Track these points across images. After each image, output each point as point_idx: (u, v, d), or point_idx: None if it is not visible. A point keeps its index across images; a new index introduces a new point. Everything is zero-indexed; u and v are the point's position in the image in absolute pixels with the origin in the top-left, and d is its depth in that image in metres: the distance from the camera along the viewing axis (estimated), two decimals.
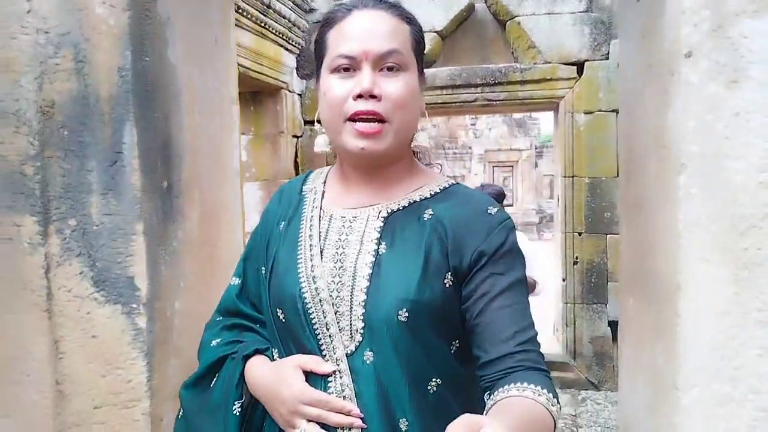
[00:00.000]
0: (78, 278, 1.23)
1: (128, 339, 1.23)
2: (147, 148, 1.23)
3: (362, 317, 0.86)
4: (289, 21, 4.22)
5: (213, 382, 0.98)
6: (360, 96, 0.85)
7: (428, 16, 4.58)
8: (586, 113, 4.37)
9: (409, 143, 0.95)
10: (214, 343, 0.99)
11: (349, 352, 0.87)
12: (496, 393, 0.80)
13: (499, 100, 4.55)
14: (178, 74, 1.34)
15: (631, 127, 1.26)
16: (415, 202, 0.93)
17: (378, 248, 0.89)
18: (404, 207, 0.92)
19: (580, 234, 4.45)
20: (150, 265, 1.24)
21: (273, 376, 0.90)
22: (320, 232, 0.94)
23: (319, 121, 0.96)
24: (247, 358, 0.94)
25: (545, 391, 0.79)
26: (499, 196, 3.18)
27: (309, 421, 0.85)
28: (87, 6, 1.19)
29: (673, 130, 1.01)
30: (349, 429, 0.85)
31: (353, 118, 0.86)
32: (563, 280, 4.54)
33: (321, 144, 0.98)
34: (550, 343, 4.84)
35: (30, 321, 1.25)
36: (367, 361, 0.86)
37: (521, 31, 4.50)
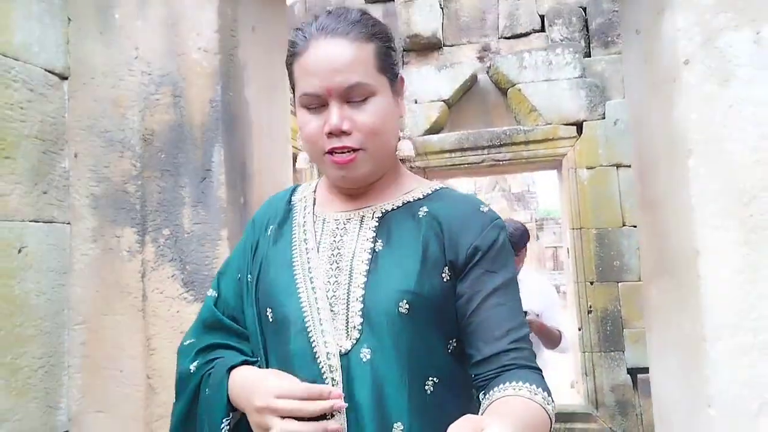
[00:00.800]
0: (170, 281, 1.41)
1: None
2: (230, 168, 1.45)
3: (360, 312, 0.84)
4: None
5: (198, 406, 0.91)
6: (331, 133, 0.85)
7: (435, 86, 4.97)
8: (588, 168, 4.64)
9: (392, 157, 0.94)
10: (192, 368, 0.92)
11: (343, 350, 0.84)
12: (491, 392, 0.80)
13: (505, 160, 4.83)
14: (251, 109, 1.57)
15: (641, 135, 1.48)
16: (408, 202, 0.93)
17: (374, 246, 0.89)
18: (398, 207, 0.93)
19: (592, 283, 4.59)
20: None
21: (252, 378, 0.84)
22: (315, 235, 0.93)
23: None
24: (231, 369, 0.87)
25: (540, 389, 0.79)
26: (524, 234, 2.99)
27: (284, 418, 0.78)
28: (185, 52, 1.44)
29: (680, 124, 1.23)
30: (331, 415, 0.80)
31: (330, 153, 0.86)
32: (579, 329, 4.64)
33: (302, 162, 0.97)
34: (570, 394, 4.86)
35: (126, 321, 1.42)
36: (364, 359, 0.83)
37: (522, 97, 4.86)
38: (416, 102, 5.04)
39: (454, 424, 0.60)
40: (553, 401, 0.81)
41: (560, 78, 4.81)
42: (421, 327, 0.84)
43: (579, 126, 4.70)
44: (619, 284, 4.53)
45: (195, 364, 0.91)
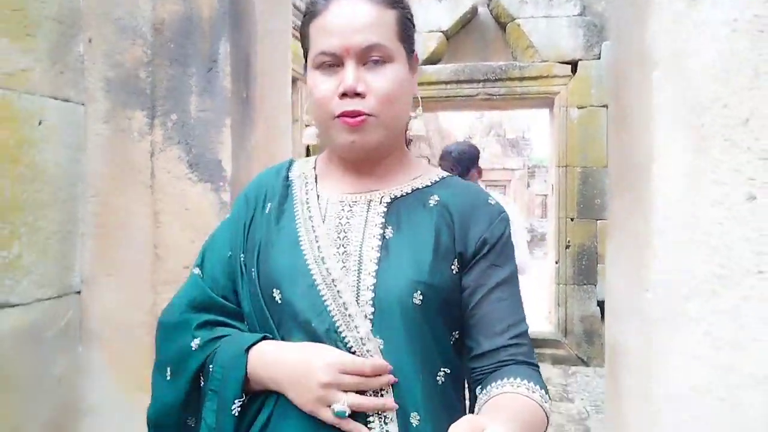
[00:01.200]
0: (176, 161, 1.55)
1: (215, 211, 1.54)
2: (235, 61, 1.56)
3: (371, 302, 0.82)
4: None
5: (201, 387, 0.86)
6: (345, 95, 0.82)
7: (435, 17, 4.98)
8: (579, 108, 4.74)
9: (402, 133, 0.94)
10: (194, 345, 0.87)
11: (369, 332, 0.82)
12: (489, 387, 0.81)
13: (499, 95, 4.92)
14: (256, 11, 1.67)
15: (618, 51, 1.60)
16: (417, 189, 0.91)
17: (384, 232, 0.87)
18: (407, 193, 0.91)
19: (572, 219, 4.79)
20: (234, 153, 1.55)
21: (301, 353, 0.81)
22: (320, 212, 0.90)
23: (308, 112, 0.95)
24: (250, 348, 0.83)
25: (538, 387, 0.80)
26: (477, 152, 3.07)
27: (347, 392, 0.78)
28: None
29: (650, 40, 1.35)
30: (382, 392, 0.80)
31: (341, 116, 0.83)
32: (556, 262, 4.87)
33: (310, 135, 0.95)
34: (543, 322, 5.15)
35: (136, 196, 1.56)
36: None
37: (520, 32, 4.89)
38: (416, 32, 5.06)
39: (454, 424, 0.59)
40: (549, 398, 0.81)
41: (560, 15, 4.84)
42: (432, 318, 0.83)
43: (574, 65, 4.78)
44: (598, 222, 4.73)
45: (197, 341, 0.87)
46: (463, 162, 2.94)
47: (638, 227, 1.43)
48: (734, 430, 1.27)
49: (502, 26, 5.06)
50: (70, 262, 1.54)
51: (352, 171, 0.92)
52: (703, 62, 1.29)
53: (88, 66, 1.56)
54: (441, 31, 5.00)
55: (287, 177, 0.96)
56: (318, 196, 0.91)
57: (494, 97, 4.94)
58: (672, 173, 1.32)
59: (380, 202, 0.89)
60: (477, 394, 0.84)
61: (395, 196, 0.90)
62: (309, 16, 0.87)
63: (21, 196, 1.38)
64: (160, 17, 1.53)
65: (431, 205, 0.89)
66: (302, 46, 0.91)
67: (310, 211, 0.90)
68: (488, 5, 5.09)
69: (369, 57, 0.83)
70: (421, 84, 3.83)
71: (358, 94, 0.82)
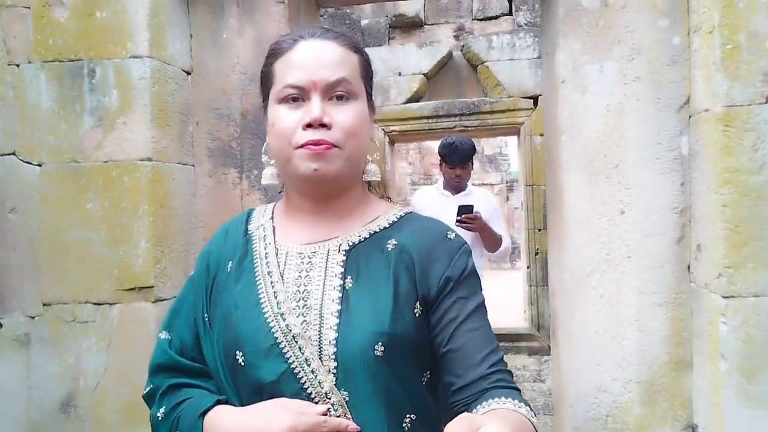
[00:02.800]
0: (258, 202, 2.33)
1: None
2: None
3: (334, 356, 0.82)
4: None
5: None
6: (310, 126, 0.83)
7: (417, 61, 5.83)
8: (541, 135, 5.60)
9: (360, 174, 0.94)
10: (160, 415, 0.89)
11: (333, 386, 0.82)
12: (475, 410, 0.81)
13: (473, 126, 5.76)
14: None
15: (547, 119, 2.44)
16: (375, 233, 0.92)
17: (343, 283, 0.87)
18: (365, 239, 0.91)
19: (539, 230, 5.62)
20: None
21: (253, 417, 0.81)
22: (279, 270, 0.90)
23: (266, 152, 0.95)
24: (205, 413, 0.85)
25: (522, 404, 0.80)
26: (473, 148, 3.33)
27: None
28: None
29: (559, 116, 2.18)
30: None
31: (304, 146, 0.84)
32: (528, 267, 5.69)
33: (267, 176, 0.95)
34: (519, 319, 5.96)
35: None
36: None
37: (489, 73, 5.77)
38: (400, 74, 5.91)
39: (450, 423, 0.59)
40: (535, 416, 0.81)
41: (522, 58, 5.72)
42: (396, 366, 0.84)
43: (535, 99, 5.64)
44: None
45: (162, 410, 0.89)
46: (467, 155, 3.25)
47: (560, 233, 2.25)
48: (619, 355, 2.07)
49: (474, 68, 5.93)
50: (189, 272, 2.31)
51: (310, 216, 0.92)
52: (590, 130, 2.12)
53: (196, 140, 2.35)
54: (422, 74, 5.85)
55: (246, 231, 0.96)
56: (277, 249, 0.91)
57: (469, 128, 5.78)
58: (575, 198, 2.15)
59: (338, 251, 0.89)
60: None
61: (353, 243, 0.90)
62: (274, 54, 0.89)
63: (165, 230, 2.16)
64: (245, 107, 2.33)
65: (389, 249, 0.89)
66: (262, 85, 0.93)
67: (269, 267, 0.89)
68: (461, 50, 5.96)
69: (334, 92, 0.85)
70: (406, 119, 4.79)
71: (323, 125, 0.83)
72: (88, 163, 2.11)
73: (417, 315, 0.86)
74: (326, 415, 0.80)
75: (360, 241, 0.91)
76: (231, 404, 0.87)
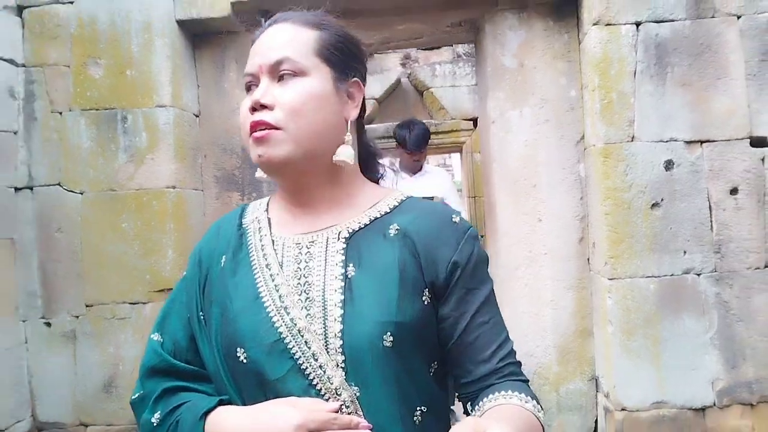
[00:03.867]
0: None
1: None
2: None
3: (341, 349, 0.78)
4: None
5: None
6: (254, 109, 0.81)
7: (369, 88, 6.45)
8: (479, 153, 6.36)
9: (326, 156, 0.85)
10: (155, 420, 0.83)
11: (343, 381, 0.78)
12: (482, 402, 0.80)
13: None
14: None
15: (481, 150, 3.12)
16: (376, 218, 0.86)
17: (345, 271, 0.82)
18: (365, 225, 0.86)
19: (482, 236, 6.35)
20: None
21: (261, 416, 0.76)
22: (278, 261, 0.84)
23: None
24: (206, 414, 0.80)
25: (530, 398, 0.79)
26: (428, 132, 3.42)
27: None
28: None
29: (491, 148, 2.86)
30: None
31: (251, 132, 0.81)
32: None
33: (261, 172, 0.89)
34: None
35: None
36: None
37: (434, 98, 6.49)
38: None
39: (455, 426, 0.58)
40: (542, 410, 0.81)
41: (462, 84, 6.47)
42: (406, 357, 0.80)
43: (474, 121, 6.38)
44: None
45: (158, 415, 0.83)
46: (424, 140, 3.34)
47: (494, 237, 2.93)
48: (540, 327, 2.75)
49: (420, 93, 6.64)
50: None
51: (302, 207, 0.88)
52: (513, 159, 2.81)
53: (205, 170, 2.90)
54: (374, 98, 6.51)
55: (240, 224, 0.93)
56: (273, 241, 0.87)
57: None
58: (503, 210, 2.83)
59: (338, 238, 0.85)
60: (469, 410, 0.84)
61: (353, 230, 0.85)
62: (253, 42, 0.88)
63: (186, 242, 2.70)
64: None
65: (392, 234, 0.84)
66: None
67: (266, 259, 0.85)
68: (408, 77, 6.66)
69: (278, 72, 0.82)
70: None
71: (264, 107, 0.80)
72: (123, 191, 2.63)
73: (426, 303, 0.82)
74: (338, 412, 0.76)
75: (360, 228, 0.86)
76: (234, 405, 0.82)
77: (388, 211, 0.88)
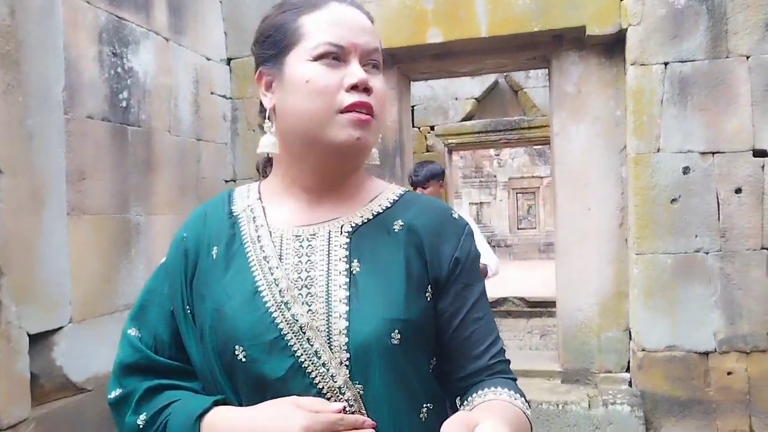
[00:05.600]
0: None
1: None
2: None
3: (346, 347, 0.76)
4: None
5: None
6: (354, 88, 0.77)
7: (470, 88, 7.43)
8: None
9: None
10: (140, 422, 0.79)
11: (347, 379, 0.75)
12: (471, 398, 0.80)
13: (514, 139, 7.34)
14: None
15: (551, 157, 4.05)
16: (378, 213, 0.85)
17: (350, 267, 0.80)
18: (369, 220, 0.84)
19: None
20: None
21: (263, 418, 0.73)
22: (277, 254, 0.81)
23: (268, 118, 0.84)
24: (202, 416, 0.76)
25: (518, 395, 0.80)
26: (442, 173, 3.54)
27: None
28: None
29: (556, 155, 3.80)
30: None
31: (349, 110, 0.77)
32: None
33: (267, 145, 0.84)
34: None
35: None
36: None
37: (527, 97, 7.33)
38: (456, 99, 7.53)
39: (447, 421, 0.58)
40: (529, 408, 0.81)
41: None
42: (411, 354, 0.79)
43: None
44: None
45: (143, 416, 0.79)
46: (421, 177, 3.45)
47: (556, 220, 3.87)
48: (588, 289, 3.68)
49: (515, 92, 7.49)
50: None
51: (307, 195, 0.85)
52: (572, 163, 3.75)
53: None
54: (474, 98, 7.45)
55: (231, 212, 0.88)
56: (270, 232, 0.83)
57: (511, 140, 7.35)
58: (564, 201, 3.78)
59: (341, 232, 0.82)
60: (458, 405, 0.84)
61: (356, 224, 0.83)
62: (296, 9, 0.82)
63: None
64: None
65: (396, 230, 0.83)
66: (275, 41, 0.83)
67: (263, 251, 0.81)
68: (505, 79, 7.52)
69: (370, 59, 0.81)
70: (461, 134, 6.69)
71: (366, 90, 0.78)
72: None
73: (428, 299, 0.82)
74: (342, 412, 0.73)
75: (363, 222, 0.84)
76: (230, 404, 0.78)
77: (389, 205, 0.86)
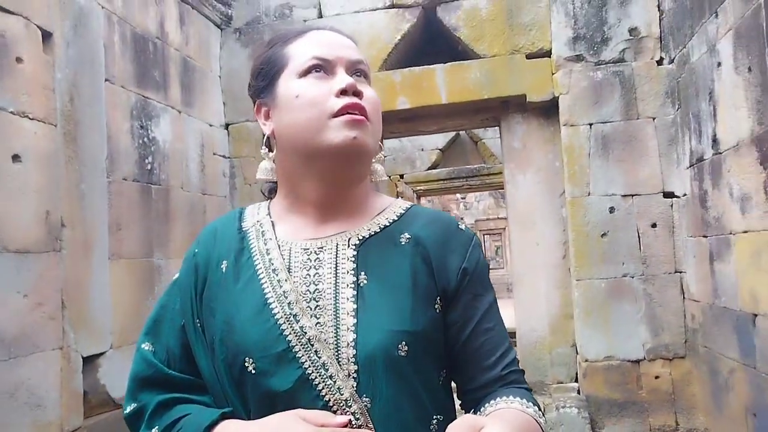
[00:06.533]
0: None
1: None
2: None
3: (354, 359, 0.76)
4: None
5: None
6: (343, 93, 0.80)
7: (435, 139, 8.23)
8: None
9: (370, 165, 0.88)
10: None
11: (354, 392, 0.76)
12: (483, 408, 0.80)
13: (476, 185, 8.12)
14: None
15: (505, 200, 4.76)
16: (385, 226, 0.86)
17: (357, 279, 0.81)
18: (376, 233, 0.86)
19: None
20: None
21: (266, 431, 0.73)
22: (284, 265, 0.83)
23: (267, 145, 0.89)
24: (210, 428, 0.77)
25: (531, 404, 0.79)
26: None
27: None
28: None
29: (508, 199, 4.51)
30: None
31: (341, 113, 0.79)
32: None
33: (264, 170, 0.88)
34: None
35: None
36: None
37: (485, 147, 8.15)
38: (422, 150, 8.30)
39: (452, 424, 0.58)
40: (544, 416, 0.81)
41: None
42: (420, 366, 0.80)
43: None
44: None
45: (155, 430, 0.81)
46: None
47: (511, 254, 4.55)
48: (539, 312, 4.34)
49: (475, 143, 8.32)
50: None
51: (314, 210, 0.86)
52: (521, 204, 4.45)
53: None
54: (438, 149, 8.24)
55: (240, 228, 0.90)
56: (279, 246, 0.85)
57: (473, 186, 8.12)
58: (515, 237, 4.47)
59: (348, 245, 0.84)
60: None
61: (363, 237, 0.85)
62: (283, 41, 0.87)
63: None
64: None
65: (403, 243, 0.84)
66: (264, 72, 0.87)
67: (272, 264, 0.83)
68: (466, 132, 8.36)
69: (355, 69, 0.84)
70: (428, 181, 7.52)
71: (356, 93, 0.80)
72: None
73: (437, 311, 0.82)
74: (348, 425, 0.73)
75: (370, 236, 0.85)
76: (237, 417, 0.79)
77: (396, 219, 0.87)
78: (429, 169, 8.23)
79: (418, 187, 8.14)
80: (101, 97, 3.13)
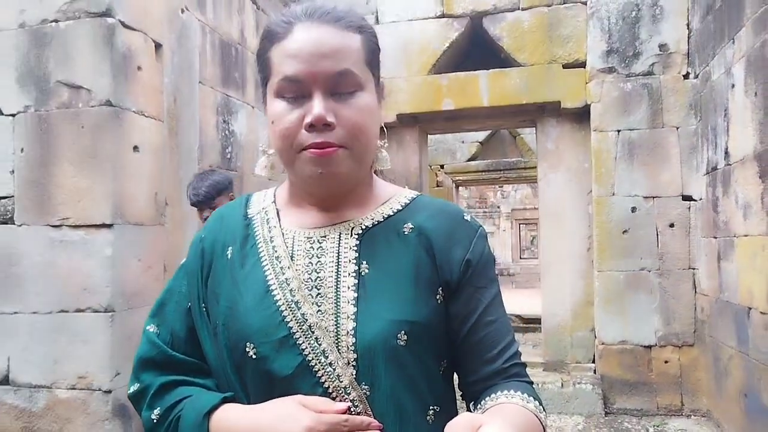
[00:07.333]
0: None
1: None
2: None
3: (353, 347, 0.77)
4: None
5: None
6: (312, 126, 0.76)
7: (475, 133, 8.66)
8: None
9: (370, 164, 0.87)
10: (154, 417, 0.82)
11: (353, 380, 0.77)
12: (483, 401, 0.80)
13: (513, 178, 8.53)
14: None
15: (538, 196, 5.22)
16: (389, 216, 0.85)
17: (359, 269, 0.81)
18: (379, 222, 0.85)
19: None
20: None
21: (268, 417, 0.74)
22: (287, 252, 0.83)
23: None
24: (211, 412, 0.78)
25: (532, 398, 0.79)
26: (230, 184, 2.85)
27: None
28: None
29: (540, 195, 4.97)
30: None
31: (308, 148, 0.77)
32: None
33: (260, 168, 0.89)
34: None
35: None
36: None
37: (523, 142, 8.53)
38: (463, 142, 8.75)
39: (451, 422, 0.58)
40: (544, 410, 0.80)
41: None
42: (419, 356, 0.80)
43: None
44: None
45: (157, 411, 0.82)
46: (203, 195, 2.75)
47: (541, 244, 5.02)
48: (563, 299, 4.81)
49: (513, 137, 8.70)
50: None
51: (317, 202, 0.86)
52: (552, 202, 4.91)
53: None
54: (478, 141, 8.66)
55: (246, 215, 0.90)
56: (283, 234, 0.85)
57: (510, 178, 8.53)
58: (546, 230, 4.94)
59: (351, 234, 0.84)
60: (471, 409, 0.83)
61: (366, 227, 0.84)
62: (269, 40, 0.81)
63: None
64: None
65: (406, 233, 0.84)
66: (260, 73, 0.85)
67: (275, 251, 0.84)
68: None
69: (338, 87, 0.77)
70: (466, 172, 8.10)
71: (326, 125, 0.76)
72: None
73: (439, 302, 0.82)
74: (347, 412, 0.74)
75: (373, 225, 0.84)
76: (238, 401, 0.80)
77: (400, 208, 0.87)
78: (468, 160, 8.66)
79: (457, 178, 8.59)
80: (196, 96, 3.72)
